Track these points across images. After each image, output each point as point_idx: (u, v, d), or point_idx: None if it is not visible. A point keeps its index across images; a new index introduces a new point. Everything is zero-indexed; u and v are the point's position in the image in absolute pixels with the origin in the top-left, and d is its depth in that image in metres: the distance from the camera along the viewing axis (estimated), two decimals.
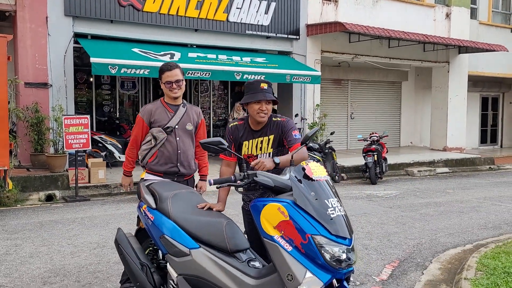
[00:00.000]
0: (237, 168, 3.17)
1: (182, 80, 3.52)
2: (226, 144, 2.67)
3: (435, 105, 15.94)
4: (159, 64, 9.57)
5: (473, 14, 16.60)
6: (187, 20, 10.71)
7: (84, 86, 11.98)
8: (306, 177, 2.36)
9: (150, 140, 3.58)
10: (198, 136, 3.73)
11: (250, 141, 3.04)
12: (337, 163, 10.75)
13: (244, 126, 3.08)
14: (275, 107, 11.67)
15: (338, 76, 15.15)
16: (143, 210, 3.07)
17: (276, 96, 3.28)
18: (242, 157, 2.81)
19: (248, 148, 3.04)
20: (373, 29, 12.04)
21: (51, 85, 9.34)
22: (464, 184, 10.69)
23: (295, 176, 2.39)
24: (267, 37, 11.91)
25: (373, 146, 10.79)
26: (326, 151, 10.36)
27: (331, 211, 2.27)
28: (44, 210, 7.14)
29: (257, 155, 3.01)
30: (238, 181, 2.54)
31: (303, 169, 2.39)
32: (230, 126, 3.14)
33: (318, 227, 2.21)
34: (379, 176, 10.79)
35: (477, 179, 11.68)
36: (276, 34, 11.97)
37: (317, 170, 2.39)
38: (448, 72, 15.53)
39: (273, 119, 3.06)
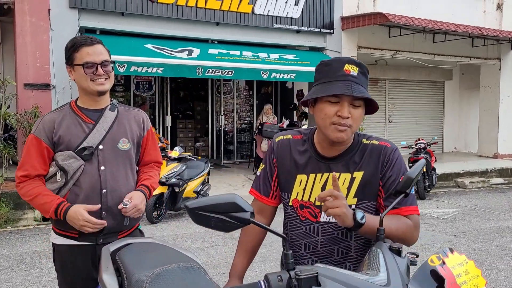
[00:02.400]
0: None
1: (111, 64, 2.13)
2: (248, 209, 1.29)
3: (484, 106, 14.25)
4: (175, 61, 8.42)
5: None
6: (208, 12, 9.47)
7: None
8: None
9: (55, 174, 2.09)
10: (146, 157, 2.28)
11: (312, 176, 1.64)
12: None
13: (303, 146, 1.68)
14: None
15: (374, 75, 13.66)
16: None
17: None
18: (281, 235, 1.29)
19: (305, 190, 1.64)
20: (419, 20, 10.57)
21: (54, 87, 8.25)
22: None
23: None
24: (298, 32, 10.55)
25: (421, 155, 9.34)
26: None
27: None
28: (35, 235, 6.00)
29: (321, 205, 1.58)
30: None
31: (436, 275, 1.06)
32: (277, 140, 1.75)
33: None
34: (428, 189, 9.33)
35: None
36: (307, 28, 10.61)
37: (468, 277, 1.05)
38: (500, 69, 13.83)
39: (364, 140, 1.65)
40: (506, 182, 11.41)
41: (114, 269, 1.78)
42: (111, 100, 2.23)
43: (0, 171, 6.84)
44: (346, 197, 1.59)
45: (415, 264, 1.43)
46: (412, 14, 11.46)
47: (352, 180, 1.59)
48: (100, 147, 2.11)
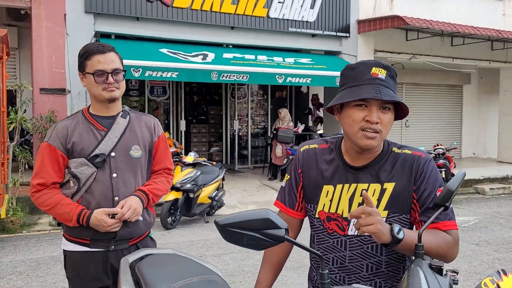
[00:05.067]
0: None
1: (122, 72, 2.09)
2: (282, 225, 1.22)
3: (503, 111, 13.95)
4: (190, 66, 8.38)
5: None
6: (222, 16, 9.43)
7: None
8: None
9: (68, 181, 2.06)
10: (156, 164, 2.24)
11: (339, 186, 1.55)
12: None
13: (330, 155, 1.61)
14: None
15: None
16: None
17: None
18: (317, 253, 1.23)
19: (332, 201, 1.55)
20: (437, 23, 10.39)
21: (69, 91, 8.27)
22: None
23: None
24: (313, 35, 10.46)
25: (440, 160, 9.13)
26: None
27: None
28: (50, 240, 5.97)
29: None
30: None
31: None
32: (302, 149, 1.68)
33: None
34: None
35: None
36: (323, 32, 10.50)
37: None
38: None
39: (395, 149, 1.56)
40: None
41: (133, 282, 1.71)
42: (123, 107, 2.19)
43: (16, 175, 6.84)
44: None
45: (457, 283, 1.32)
46: (430, 17, 11.29)
47: (383, 191, 1.49)
48: (112, 154, 2.08)
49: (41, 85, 8.10)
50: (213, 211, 7.43)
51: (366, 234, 1.37)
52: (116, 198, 2.05)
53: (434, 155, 9.43)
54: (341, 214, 1.53)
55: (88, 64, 2.04)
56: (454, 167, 9.79)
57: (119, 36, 8.93)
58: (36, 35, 8.10)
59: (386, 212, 1.49)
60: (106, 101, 2.07)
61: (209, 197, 7.18)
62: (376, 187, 1.50)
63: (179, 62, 8.23)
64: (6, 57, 6.25)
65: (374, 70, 1.47)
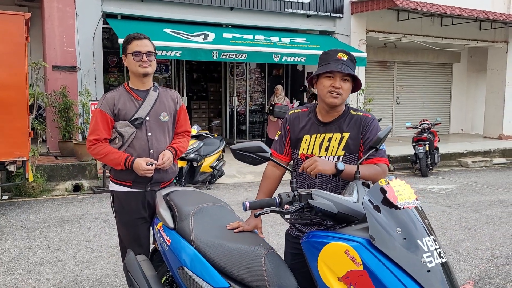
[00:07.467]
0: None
1: (154, 54, 2.73)
2: (268, 150, 1.94)
3: (490, 89, 14.60)
4: (192, 45, 8.97)
5: None
6: None
7: (116, 69, 11.50)
8: (387, 202, 1.61)
9: (115, 138, 2.73)
10: (179, 128, 2.92)
11: (314, 136, 2.24)
12: None
13: (308, 115, 2.29)
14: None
15: (383, 58, 14.08)
16: (158, 229, 2.40)
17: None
18: (289, 169, 2.03)
19: (308, 146, 2.24)
20: (425, 5, 10.92)
21: (80, 69, 8.87)
22: None
23: (370, 201, 1.64)
24: (308, 16, 11.00)
25: (424, 135, 9.80)
26: None
27: (427, 257, 1.51)
28: (69, 203, 6.69)
29: (320, 158, 2.16)
30: (286, 206, 1.78)
31: (382, 190, 1.63)
32: (289, 113, 2.38)
33: (408, 284, 1.47)
34: (430, 167, 9.83)
35: None
36: (317, 12, 11.04)
37: (403, 192, 1.63)
38: (507, 52, 14.13)
39: (352, 112, 2.25)
40: (509, 162, 11.84)
41: (167, 206, 2.42)
42: (153, 83, 2.85)
43: (35, 146, 7.50)
44: (337, 150, 2.19)
45: None
46: None
47: (342, 138, 2.21)
48: (147, 118, 2.74)
49: (53, 62, 8.69)
50: (214, 179, 8.14)
51: None
52: (151, 151, 2.74)
53: (419, 130, 10.09)
54: (314, 155, 2.24)
55: (129, 47, 2.70)
56: (438, 141, 10.48)
57: (125, 17, 9.47)
58: (48, 16, 8.64)
59: (343, 152, 2.20)
60: (141, 75, 2.72)
61: (211, 167, 7.87)
62: (338, 135, 2.21)
63: (182, 41, 8.80)
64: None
65: (339, 54, 2.16)
